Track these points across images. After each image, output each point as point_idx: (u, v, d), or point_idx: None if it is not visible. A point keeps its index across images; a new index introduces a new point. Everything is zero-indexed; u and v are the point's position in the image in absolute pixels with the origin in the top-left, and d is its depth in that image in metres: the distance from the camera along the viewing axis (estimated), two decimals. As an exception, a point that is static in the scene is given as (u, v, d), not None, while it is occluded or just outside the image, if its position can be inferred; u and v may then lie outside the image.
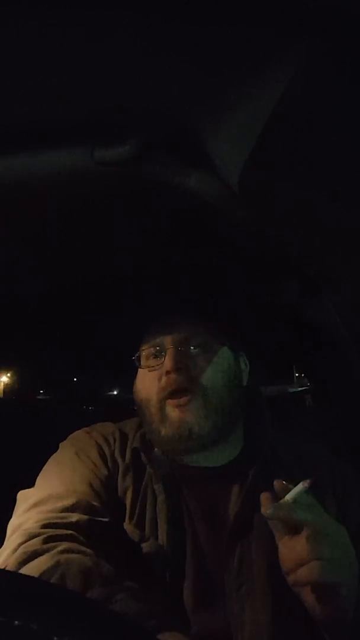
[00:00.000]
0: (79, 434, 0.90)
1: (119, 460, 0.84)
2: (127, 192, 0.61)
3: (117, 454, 0.85)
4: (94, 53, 0.43)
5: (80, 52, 0.43)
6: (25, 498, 0.78)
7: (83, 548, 0.68)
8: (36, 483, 0.82)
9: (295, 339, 1.24)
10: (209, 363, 0.82)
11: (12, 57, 0.43)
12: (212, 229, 0.70)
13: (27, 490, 0.81)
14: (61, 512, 0.72)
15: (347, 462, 0.92)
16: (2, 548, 0.72)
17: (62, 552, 0.66)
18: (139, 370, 0.87)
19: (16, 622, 0.29)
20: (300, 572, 0.60)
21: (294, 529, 0.64)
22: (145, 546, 0.76)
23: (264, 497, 0.64)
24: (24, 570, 0.64)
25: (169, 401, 0.80)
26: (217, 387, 0.81)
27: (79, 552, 0.67)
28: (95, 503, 0.76)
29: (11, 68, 0.45)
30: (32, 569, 0.64)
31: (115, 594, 0.61)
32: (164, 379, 0.80)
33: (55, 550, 0.66)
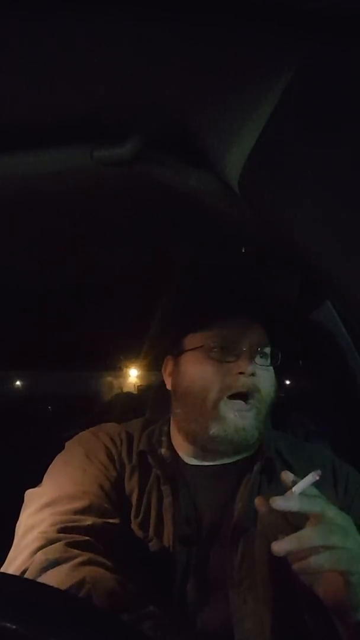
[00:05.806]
0: (86, 434, 0.90)
1: (126, 461, 0.85)
2: (127, 192, 0.61)
3: (124, 455, 0.85)
4: (94, 53, 0.43)
5: (81, 52, 0.43)
6: (35, 497, 0.78)
7: (103, 560, 0.68)
8: (44, 482, 0.82)
9: (296, 339, 1.24)
10: (268, 374, 0.84)
11: (12, 57, 0.43)
12: (212, 229, 0.70)
13: (35, 489, 0.80)
14: (75, 514, 0.73)
15: (348, 462, 0.92)
16: (15, 548, 0.72)
17: (84, 563, 0.65)
18: (194, 359, 0.84)
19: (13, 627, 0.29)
20: (311, 561, 0.59)
21: (294, 525, 0.63)
22: (150, 546, 0.77)
23: (259, 500, 0.64)
24: (45, 579, 0.64)
25: (230, 402, 0.79)
26: (268, 400, 0.83)
27: (100, 564, 0.67)
28: (106, 505, 0.76)
29: (12, 68, 0.45)
30: (54, 579, 0.63)
31: (142, 621, 0.60)
32: (233, 377, 0.79)
33: (76, 561, 0.65)
